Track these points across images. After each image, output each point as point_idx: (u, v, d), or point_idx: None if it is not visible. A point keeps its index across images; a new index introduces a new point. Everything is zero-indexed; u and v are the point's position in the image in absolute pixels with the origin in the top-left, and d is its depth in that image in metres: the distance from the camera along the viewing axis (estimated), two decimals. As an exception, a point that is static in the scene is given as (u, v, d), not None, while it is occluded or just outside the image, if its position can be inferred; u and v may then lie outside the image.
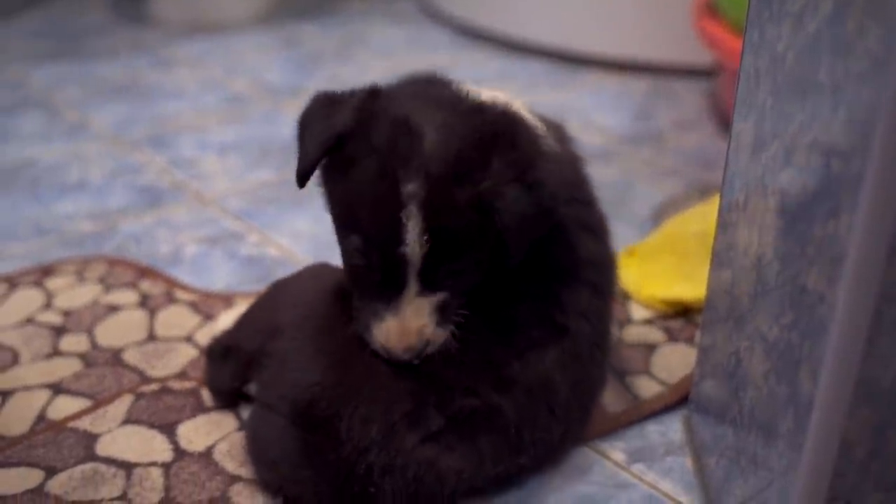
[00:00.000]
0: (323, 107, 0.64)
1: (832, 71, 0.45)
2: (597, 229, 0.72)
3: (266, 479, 0.67)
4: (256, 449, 0.68)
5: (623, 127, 1.44)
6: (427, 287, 0.61)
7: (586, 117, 1.48)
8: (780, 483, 0.51)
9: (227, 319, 0.84)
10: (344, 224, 0.63)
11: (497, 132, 0.61)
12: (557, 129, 0.74)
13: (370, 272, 0.61)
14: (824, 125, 0.46)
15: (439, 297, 0.62)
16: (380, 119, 0.61)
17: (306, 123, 0.64)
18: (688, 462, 0.72)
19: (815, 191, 0.47)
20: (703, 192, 1.18)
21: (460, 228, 0.59)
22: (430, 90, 0.65)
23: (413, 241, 0.58)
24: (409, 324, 0.61)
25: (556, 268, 0.67)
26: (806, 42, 0.50)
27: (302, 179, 0.63)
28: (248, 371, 0.72)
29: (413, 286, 0.60)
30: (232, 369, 0.74)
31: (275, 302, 0.73)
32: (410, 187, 0.58)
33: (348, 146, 0.61)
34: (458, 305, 0.63)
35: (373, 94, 0.63)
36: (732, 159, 0.65)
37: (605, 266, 0.72)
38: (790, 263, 0.51)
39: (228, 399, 0.76)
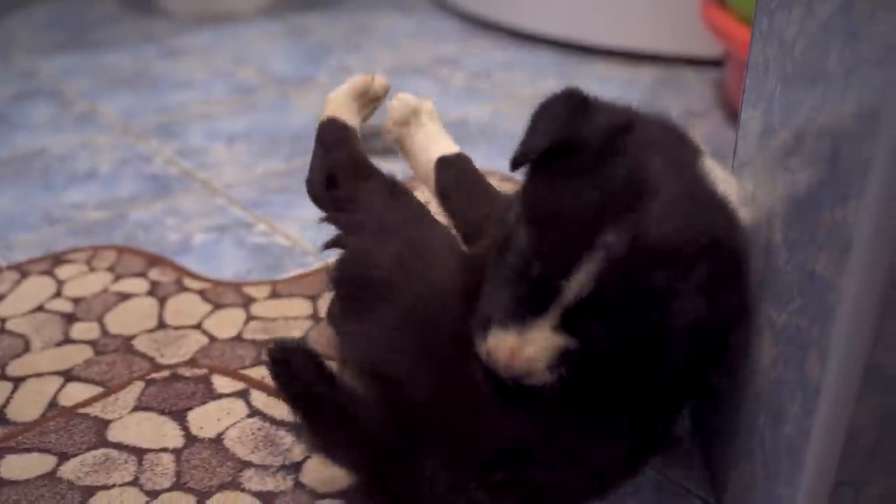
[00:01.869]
0: (576, 105, 0.59)
1: (843, 57, 0.45)
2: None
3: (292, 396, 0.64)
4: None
5: (631, 117, 1.44)
6: (564, 326, 0.56)
7: (594, 107, 1.48)
8: (787, 468, 0.52)
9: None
10: (525, 221, 0.58)
11: (720, 241, 0.55)
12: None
13: (521, 281, 0.57)
14: (834, 111, 0.46)
15: (569, 342, 0.57)
16: (622, 157, 0.56)
17: (550, 109, 0.60)
18: (694, 448, 0.73)
19: (824, 177, 0.47)
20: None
21: (627, 302, 0.55)
22: (676, 154, 0.59)
23: (579, 281, 0.54)
24: (526, 348, 0.57)
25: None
26: (816, 29, 0.50)
27: (517, 163, 0.58)
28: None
29: (551, 319, 0.56)
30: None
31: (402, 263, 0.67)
32: (611, 238, 0.53)
33: (577, 159, 0.56)
34: (579, 361, 0.58)
35: (626, 128, 0.58)
36: (741, 147, 0.66)
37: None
38: (798, 250, 0.51)
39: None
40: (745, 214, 0.60)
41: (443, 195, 0.77)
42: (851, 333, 0.44)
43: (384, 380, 0.62)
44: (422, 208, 0.75)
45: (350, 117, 0.83)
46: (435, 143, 0.80)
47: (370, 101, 0.85)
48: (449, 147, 0.80)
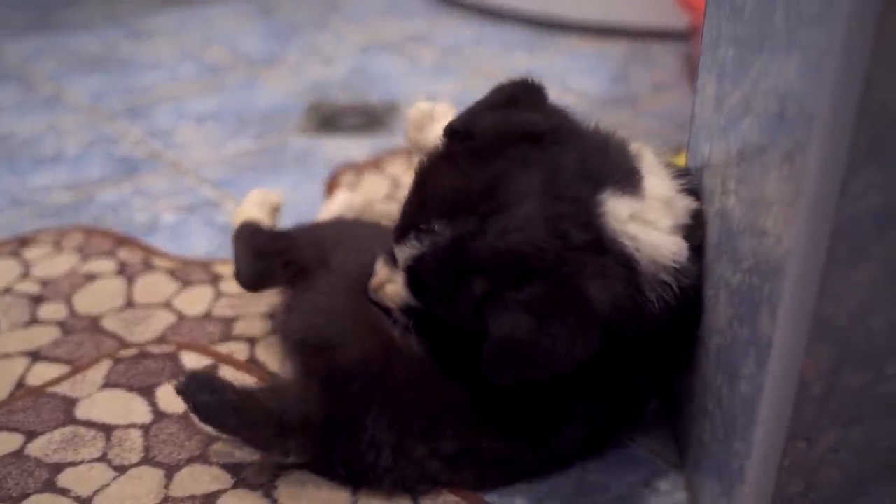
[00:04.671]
0: (511, 96, 0.64)
1: (787, 16, 0.46)
2: None
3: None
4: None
5: (600, 90, 1.45)
6: (407, 284, 0.62)
7: (563, 81, 1.48)
8: (742, 424, 0.53)
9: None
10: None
11: (564, 272, 0.54)
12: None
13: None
14: (780, 70, 0.47)
15: (411, 299, 0.63)
16: (498, 162, 0.58)
17: (495, 91, 0.65)
18: (659, 411, 0.74)
19: (773, 135, 0.48)
20: (676, 151, 1.19)
21: (439, 290, 0.59)
22: (567, 183, 0.57)
23: (404, 253, 0.60)
24: (388, 286, 0.65)
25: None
26: (763, -11, 0.50)
27: (445, 134, 0.63)
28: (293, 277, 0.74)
29: (401, 274, 0.62)
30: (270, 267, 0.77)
31: (336, 243, 0.74)
32: (438, 227, 0.57)
33: (465, 147, 0.60)
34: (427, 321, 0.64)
35: (532, 137, 0.59)
36: (698, 113, 0.66)
37: None
38: (751, 208, 0.52)
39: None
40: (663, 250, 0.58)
41: None
42: (798, 285, 0.45)
43: (316, 345, 0.65)
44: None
45: (261, 219, 0.85)
46: None
47: (271, 210, 0.88)
48: None
